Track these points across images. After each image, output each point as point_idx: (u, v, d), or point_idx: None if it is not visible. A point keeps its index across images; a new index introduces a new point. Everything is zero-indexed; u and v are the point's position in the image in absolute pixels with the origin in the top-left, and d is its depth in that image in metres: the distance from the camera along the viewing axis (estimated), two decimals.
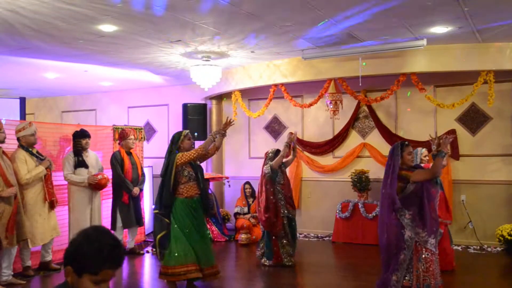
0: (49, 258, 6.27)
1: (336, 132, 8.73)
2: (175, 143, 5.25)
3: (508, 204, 7.57)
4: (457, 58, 7.01)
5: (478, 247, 7.48)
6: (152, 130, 10.71)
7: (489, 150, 7.68)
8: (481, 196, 7.65)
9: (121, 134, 7.43)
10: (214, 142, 5.27)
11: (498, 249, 7.26)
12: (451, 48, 6.99)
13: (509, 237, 6.78)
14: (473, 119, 7.80)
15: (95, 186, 6.59)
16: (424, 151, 6.27)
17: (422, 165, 6.04)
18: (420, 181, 4.35)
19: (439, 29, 6.14)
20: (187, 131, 5.37)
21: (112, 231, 6.57)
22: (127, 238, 7.44)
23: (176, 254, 5.03)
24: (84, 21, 5.56)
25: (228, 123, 5.31)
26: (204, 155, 5.29)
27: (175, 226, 5.08)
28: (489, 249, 7.39)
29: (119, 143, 7.51)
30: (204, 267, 5.13)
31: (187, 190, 5.13)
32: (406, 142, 4.44)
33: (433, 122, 8.03)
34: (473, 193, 7.74)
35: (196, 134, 9.00)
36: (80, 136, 6.59)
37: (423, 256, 4.27)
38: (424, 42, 6.44)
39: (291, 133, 6.82)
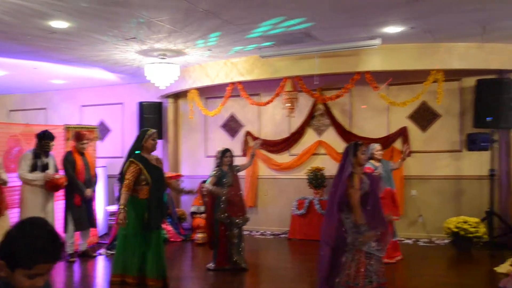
0: None
1: (293, 130, 8.77)
2: (139, 142, 5.04)
3: (455, 198, 7.85)
4: (410, 57, 7.17)
5: (428, 240, 7.72)
6: (106, 129, 10.42)
7: (438, 147, 7.93)
8: (431, 190, 7.90)
9: (76, 136, 7.14)
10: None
11: (446, 241, 7.50)
12: (404, 48, 7.13)
13: (455, 230, 6.98)
14: (424, 116, 8.01)
15: (52, 186, 6.34)
16: (376, 146, 6.38)
17: (371, 162, 6.16)
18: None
19: (393, 29, 6.26)
20: (154, 131, 5.14)
21: (64, 234, 6.41)
22: (79, 240, 7.17)
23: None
24: (33, 17, 5.31)
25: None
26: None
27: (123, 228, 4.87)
28: (437, 242, 7.64)
29: (72, 144, 7.21)
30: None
31: (142, 192, 4.94)
32: (360, 142, 4.44)
33: (386, 119, 8.21)
34: (423, 188, 7.97)
35: None
36: (48, 138, 6.36)
37: (356, 257, 4.16)
38: (379, 41, 6.54)
39: (256, 140, 6.54)
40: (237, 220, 6.05)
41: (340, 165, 4.37)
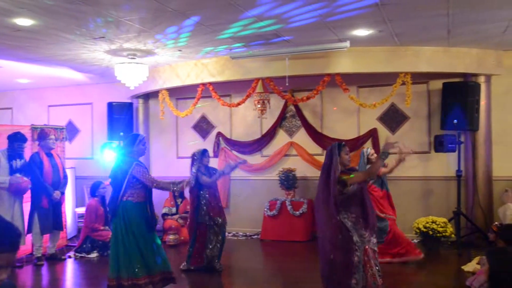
0: None
1: (264, 131, 8.83)
2: (129, 146, 4.93)
3: (423, 198, 8.03)
4: (379, 60, 7.29)
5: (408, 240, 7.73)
6: (75, 130, 10.25)
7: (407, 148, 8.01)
8: (401, 191, 7.95)
9: (41, 134, 7.00)
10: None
11: (415, 240, 7.59)
12: (372, 51, 7.25)
13: (424, 229, 7.11)
14: (393, 118, 8.17)
15: (15, 190, 6.24)
16: (370, 150, 6.51)
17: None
18: (358, 183, 4.34)
19: (361, 32, 6.35)
20: (144, 136, 5.13)
21: (29, 235, 6.25)
22: (48, 243, 7.04)
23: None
24: None
25: None
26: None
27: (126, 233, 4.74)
28: None
29: (38, 144, 7.06)
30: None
31: (138, 196, 4.82)
32: (343, 143, 4.49)
33: (356, 121, 8.33)
34: (393, 188, 7.82)
35: (122, 133, 8.77)
36: (21, 140, 6.24)
37: (366, 255, 4.25)
38: (348, 44, 6.60)
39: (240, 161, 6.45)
40: (220, 221, 6.08)
41: (325, 166, 4.39)
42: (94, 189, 7.58)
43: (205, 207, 6.03)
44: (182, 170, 8.61)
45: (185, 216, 7.98)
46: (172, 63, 8.19)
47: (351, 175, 4.28)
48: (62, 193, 7.06)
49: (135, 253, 4.67)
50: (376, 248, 4.35)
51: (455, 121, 7.16)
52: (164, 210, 8.40)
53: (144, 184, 4.77)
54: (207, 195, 6.08)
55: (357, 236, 4.21)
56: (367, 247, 4.24)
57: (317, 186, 4.52)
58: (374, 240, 4.33)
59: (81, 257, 7.20)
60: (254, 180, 8.93)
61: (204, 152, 6.19)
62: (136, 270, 4.65)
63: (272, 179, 8.60)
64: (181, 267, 6.19)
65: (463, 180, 7.62)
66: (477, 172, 7.69)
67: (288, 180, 8.23)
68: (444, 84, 7.50)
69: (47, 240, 7.03)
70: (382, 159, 4.29)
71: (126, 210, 4.72)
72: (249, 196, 8.95)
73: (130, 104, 9.33)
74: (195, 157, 6.12)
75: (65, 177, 7.18)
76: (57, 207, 6.94)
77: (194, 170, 5.97)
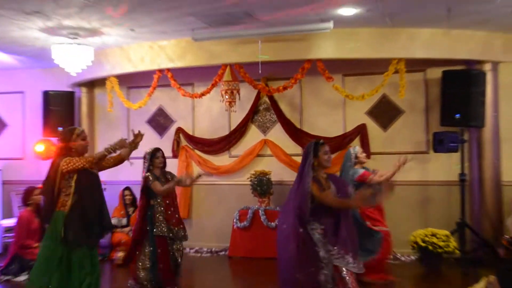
0: None
1: (233, 127, 8.90)
2: (64, 142, 4.95)
3: (421, 207, 8.17)
4: (367, 44, 7.44)
5: (391, 257, 7.71)
6: (2, 124, 10.23)
7: (401, 147, 8.14)
8: (393, 198, 7.63)
9: None
10: (114, 153, 5.05)
11: (412, 257, 7.80)
12: (359, 33, 7.40)
13: (423, 244, 7.16)
14: (385, 112, 8.34)
15: None
16: (358, 148, 6.68)
17: (359, 167, 6.41)
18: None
19: (347, 11, 6.49)
20: (82, 129, 5.12)
21: None
22: None
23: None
24: None
25: (138, 136, 5.20)
26: (100, 166, 5.12)
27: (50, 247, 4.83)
28: (402, 258, 7.91)
29: None
30: None
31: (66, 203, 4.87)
32: (321, 141, 4.55)
33: (342, 115, 8.49)
34: None
35: (61, 129, 8.42)
36: None
37: (336, 275, 4.30)
38: (331, 24, 6.72)
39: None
40: (181, 232, 6.14)
41: (300, 167, 4.49)
42: (27, 197, 7.53)
43: (161, 217, 6.04)
44: (136, 173, 8.41)
45: None
46: (123, 45, 8.19)
47: (323, 192, 4.32)
48: None
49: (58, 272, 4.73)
50: (354, 271, 4.34)
51: (457, 115, 7.29)
52: (113, 221, 8.20)
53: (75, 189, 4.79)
54: (163, 203, 6.08)
55: (324, 251, 4.27)
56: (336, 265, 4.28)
57: (290, 189, 4.59)
58: (350, 259, 4.30)
59: (7, 280, 7.09)
60: (220, 185, 8.98)
61: (155, 152, 6.17)
62: None
63: (243, 184, 8.67)
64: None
65: (467, 185, 7.73)
66: (484, 175, 7.83)
67: (262, 185, 8.32)
68: (444, 72, 7.64)
69: None
70: (369, 197, 4.32)
71: (57, 222, 4.77)
72: (215, 205, 8.97)
73: (71, 94, 9.32)
74: (145, 158, 6.15)
75: None
76: None
77: (146, 172, 6.05)
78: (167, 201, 6.12)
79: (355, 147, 6.74)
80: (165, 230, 6.01)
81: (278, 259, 4.52)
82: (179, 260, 6.16)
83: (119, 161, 5.20)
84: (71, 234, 4.73)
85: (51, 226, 4.83)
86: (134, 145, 5.16)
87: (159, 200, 6.06)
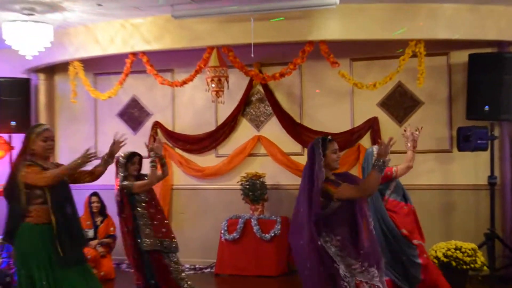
0: None
1: (221, 121, 8.82)
2: (23, 144, 4.82)
3: (444, 215, 7.96)
4: (379, 22, 7.29)
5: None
6: None
7: (419, 145, 7.43)
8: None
9: None
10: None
11: None
12: (371, 9, 7.26)
13: (445, 259, 6.98)
14: (400, 103, 8.14)
15: None
16: (376, 148, 6.45)
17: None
18: (348, 199, 4.33)
19: None
20: (45, 127, 4.89)
21: None
22: None
23: None
24: None
25: (116, 146, 5.11)
26: (73, 179, 5.08)
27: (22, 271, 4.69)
28: None
29: None
30: None
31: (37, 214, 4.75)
32: (329, 137, 4.47)
33: (349, 107, 8.31)
34: None
35: (14, 123, 8.58)
36: None
37: None
38: (337, 0, 6.57)
39: (155, 143, 6.44)
40: (173, 245, 6.13)
41: (306, 170, 4.43)
42: None
43: (147, 229, 6.01)
44: (105, 176, 8.23)
45: (107, 242, 8.09)
46: (88, 23, 8.09)
47: (340, 186, 4.30)
48: None
49: None
50: (380, 285, 4.32)
51: (487, 107, 7.13)
52: None
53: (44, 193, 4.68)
54: (147, 211, 6.08)
55: (344, 267, 4.22)
56: (359, 280, 4.24)
57: (297, 198, 4.54)
58: (375, 272, 4.30)
59: None
60: (206, 190, 8.90)
61: (131, 156, 6.16)
62: None
63: (232, 189, 8.53)
64: None
65: (497, 189, 7.62)
66: None
67: (255, 190, 8.14)
68: (470, 56, 7.49)
69: None
70: (378, 170, 4.27)
71: (22, 235, 4.67)
72: (199, 213, 8.87)
73: (27, 81, 9.18)
74: (118, 164, 6.09)
75: None
76: None
77: (122, 181, 6.04)
78: (151, 210, 6.13)
79: (374, 147, 6.50)
80: (157, 243, 6.06)
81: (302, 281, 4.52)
82: (183, 274, 6.17)
83: (95, 178, 5.17)
84: (67, 250, 4.65)
85: (20, 243, 4.70)
86: (110, 159, 5.15)
87: (139, 210, 6.05)
